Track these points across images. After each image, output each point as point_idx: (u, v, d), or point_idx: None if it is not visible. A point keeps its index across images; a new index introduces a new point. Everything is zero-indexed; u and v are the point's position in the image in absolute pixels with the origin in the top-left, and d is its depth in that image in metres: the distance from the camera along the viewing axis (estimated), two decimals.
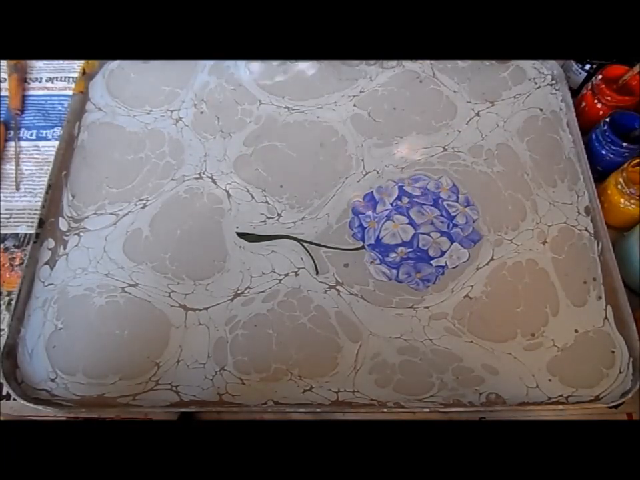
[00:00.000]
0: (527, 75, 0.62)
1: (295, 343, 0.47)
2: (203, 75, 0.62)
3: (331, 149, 0.57)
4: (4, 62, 0.64)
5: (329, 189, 0.55)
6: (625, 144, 0.52)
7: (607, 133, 0.53)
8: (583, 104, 0.59)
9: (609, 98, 0.55)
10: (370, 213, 0.53)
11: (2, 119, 0.61)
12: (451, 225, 0.52)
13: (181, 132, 0.58)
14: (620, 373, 0.46)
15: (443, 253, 0.51)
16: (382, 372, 0.46)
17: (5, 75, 0.63)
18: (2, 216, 0.55)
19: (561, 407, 0.45)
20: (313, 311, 0.49)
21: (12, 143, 0.59)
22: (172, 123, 0.58)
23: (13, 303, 0.48)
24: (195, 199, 0.54)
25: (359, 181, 0.55)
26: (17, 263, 0.53)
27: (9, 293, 0.51)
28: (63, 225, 0.53)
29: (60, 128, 0.59)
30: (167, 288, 0.49)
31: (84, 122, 0.58)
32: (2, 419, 0.46)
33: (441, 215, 0.53)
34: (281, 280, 0.50)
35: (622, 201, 0.52)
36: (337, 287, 0.50)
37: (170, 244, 0.52)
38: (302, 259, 0.51)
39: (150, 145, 0.57)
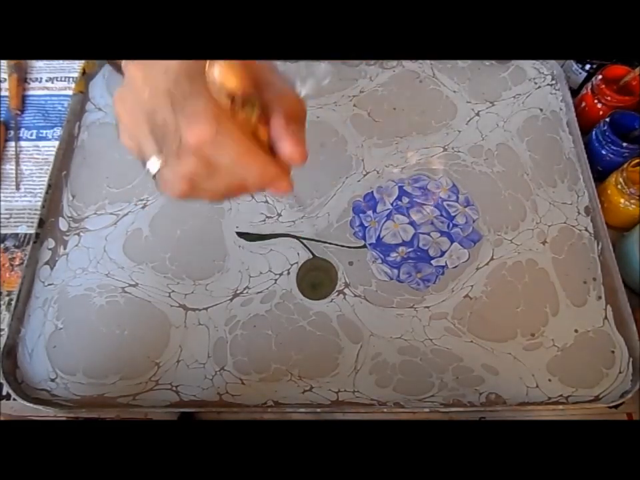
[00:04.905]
0: (527, 75, 0.62)
1: (295, 343, 0.47)
2: None
3: (331, 149, 0.57)
4: (4, 62, 0.64)
5: (329, 189, 0.55)
6: (625, 144, 0.52)
7: (606, 133, 0.53)
8: (583, 104, 0.59)
9: (608, 98, 0.55)
10: (370, 212, 0.53)
11: (2, 119, 0.61)
12: (450, 224, 0.52)
13: None
14: (620, 373, 0.46)
15: (443, 253, 0.51)
16: (382, 372, 0.46)
17: (5, 75, 0.63)
18: (2, 216, 0.55)
19: (560, 407, 0.45)
20: (312, 316, 0.48)
21: (12, 143, 0.59)
22: None
23: (13, 302, 0.48)
24: None
25: (359, 181, 0.55)
26: (17, 263, 0.53)
27: (9, 293, 0.51)
28: (63, 224, 0.53)
29: (60, 128, 0.59)
30: (167, 288, 0.49)
31: (84, 122, 0.58)
32: (2, 418, 0.46)
33: (441, 215, 0.53)
34: (276, 280, 0.50)
35: (622, 201, 0.52)
36: (344, 290, 0.49)
37: (170, 244, 0.52)
38: (298, 253, 0.51)
39: None
